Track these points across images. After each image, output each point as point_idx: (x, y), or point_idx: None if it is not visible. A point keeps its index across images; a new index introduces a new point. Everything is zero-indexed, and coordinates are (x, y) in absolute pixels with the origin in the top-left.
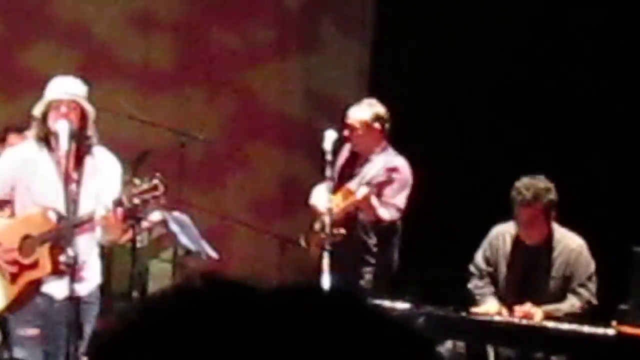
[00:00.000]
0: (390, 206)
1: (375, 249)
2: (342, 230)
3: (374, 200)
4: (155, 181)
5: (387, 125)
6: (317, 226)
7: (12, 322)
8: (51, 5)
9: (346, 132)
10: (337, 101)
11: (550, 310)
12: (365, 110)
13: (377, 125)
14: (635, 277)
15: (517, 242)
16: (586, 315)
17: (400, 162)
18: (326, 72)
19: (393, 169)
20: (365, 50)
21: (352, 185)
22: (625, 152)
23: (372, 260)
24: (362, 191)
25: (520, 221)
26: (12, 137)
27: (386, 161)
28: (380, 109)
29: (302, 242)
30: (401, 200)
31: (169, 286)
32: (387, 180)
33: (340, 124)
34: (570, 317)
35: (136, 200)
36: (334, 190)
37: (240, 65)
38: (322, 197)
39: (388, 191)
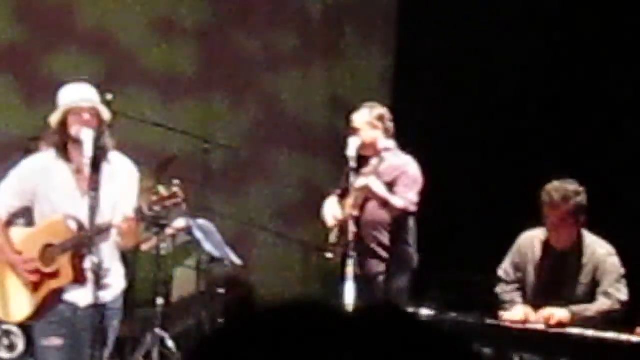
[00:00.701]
0: (404, 198)
1: (389, 246)
2: (353, 228)
3: (377, 187)
4: (175, 188)
5: (390, 125)
6: (332, 239)
7: (36, 331)
8: (74, 13)
9: (351, 140)
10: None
11: (578, 311)
12: (366, 113)
13: (379, 124)
14: None
15: (546, 247)
16: (616, 317)
17: (407, 160)
18: (349, 79)
19: (399, 166)
20: (388, 57)
21: (359, 183)
22: None
23: (386, 258)
24: (360, 181)
25: (549, 223)
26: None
27: (391, 162)
28: (380, 109)
29: (331, 255)
30: (413, 194)
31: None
32: (396, 177)
33: None
34: (595, 322)
35: (156, 208)
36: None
37: (263, 72)
38: (330, 210)
39: (400, 186)
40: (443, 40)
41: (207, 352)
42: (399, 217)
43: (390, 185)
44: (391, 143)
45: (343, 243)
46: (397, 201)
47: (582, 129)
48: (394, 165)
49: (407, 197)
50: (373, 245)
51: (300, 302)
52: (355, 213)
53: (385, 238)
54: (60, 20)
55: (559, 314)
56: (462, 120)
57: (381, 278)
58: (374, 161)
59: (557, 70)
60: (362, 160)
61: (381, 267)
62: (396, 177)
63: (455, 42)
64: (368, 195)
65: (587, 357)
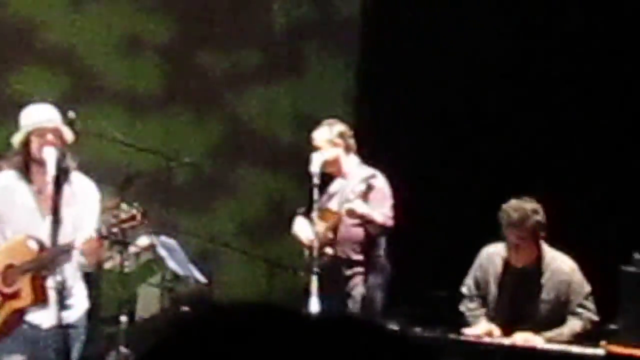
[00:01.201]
0: (380, 214)
1: (364, 264)
2: (330, 250)
3: (362, 208)
4: (133, 211)
5: (351, 141)
6: (306, 253)
7: None
8: (38, 32)
9: (314, 157)
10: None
11: (552, 337)
12: (326, 131)
13: (340, 141)
14: (624, 296)
15: (507, 264)
16: (584, 335)
17: (376, 173)
18: (312, 94)
19: (367, 178)
20: (351, 72)
21: (332, 204)
22: (612, 172)
23: (361, 274)
24: (346, 206)
25: (508, 243)
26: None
27: (359, 174)
28: (340, 126)
29: (302, 274)
30: (387, 209)
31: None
32: (367, 191)
33: None
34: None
35: (114, 230)
36: (317, 213)
37: (227, 89)
38: (302, 226)
39: (372, 201)
40: (405, 56)
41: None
42: (376, 233)
43: (363, 198)
44: (354, 159)
45: (312, 257)
46: (378, 217)
47: (538, 145)
48: (360, 178)
49: (383, 213)
50: (347, 263)
51: (251, 305)
52: (331, 235)
53: (359, 255)
54: (23, 39)
55: (535, 340)
56: (425, 136)
57: (358, 292)
58: (357, 187)
59: (518, 86)
60: (326, 176)
61: (356, 281)
62: (367, 189)
63: (418, 57)
64: (352, 217)
65: None
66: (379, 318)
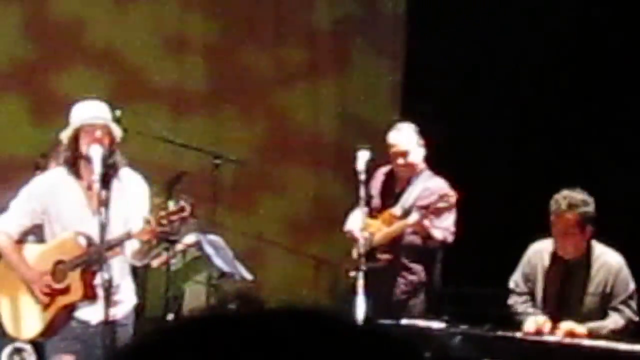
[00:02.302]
0: (442, 229)
1: (421, 274)
2: (387, 256)
3: (426, 222)
4: (182, 203)
5: (424, 146)
6: (354, 253)
7: (48, 348)
8: (84, 31)
9: (399, 160)
10: (369, 121)
11: (594, 328)
12: (410, 135)
13: (420, 149)
14: None
15: (554, 257)
16: (626, 332)
17: (446, 186)
18: (358, 93)
19: (444, 195)
20: (397, 70)
21: (395, 209)
22: None
23: (413, 283)
24: (413, 217)
25: (555, 231)
26: (54, 163)
27: (429, 183)
28: (417, 129)
29: (346, 272)
30: (451, 222)
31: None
32: (440, 207)
33: (373, 143)
34: (608, 334)
35: (163, 222)
36: (373, 214)
37: (272, 86)
38: (358, 223)
39: (440, 215)
40: (451, 53)
41: None
42: (435, 246)
43: (426, 208)
44: (422, 166)
45: (368, 257)
46: (438, 234)
47: (592, 144)
48: (431, 189)
49: (447, 228)
50: (403, 271)
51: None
52: (389, 240)
53: (415, 263)
54: (69, 38)
55: (579, 329)
56: (472, 134)
57: (402, 299)
58: (407, 191)
59: (568, 83)
60: (389, 181)
61: (404, 288)
62: (432, 202)
63: (464, 55)
64: (414, 228)
65: None
66: (422, 316)
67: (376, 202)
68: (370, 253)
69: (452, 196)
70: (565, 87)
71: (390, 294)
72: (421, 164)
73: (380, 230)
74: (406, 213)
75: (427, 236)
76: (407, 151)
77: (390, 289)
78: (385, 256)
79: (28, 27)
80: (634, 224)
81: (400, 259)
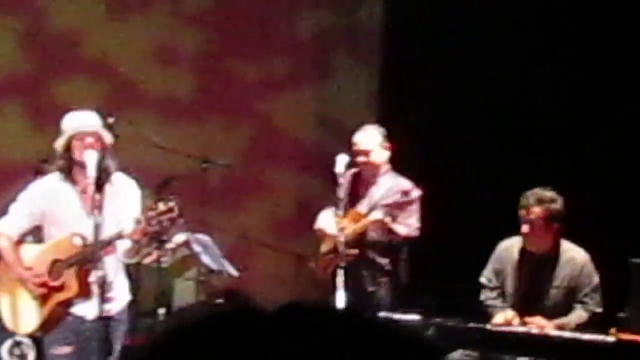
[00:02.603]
0: (405, 225)
1: (387, 267)
2: (355, 251)
3: (387, 219)
4: (171, 204)
5: (388, 148)
6: (324, 249)
7: (46, 341)
8: (80, 43)
9: (360, 158)
10: (348, 126)
11: (560, 324)
12: (374, 135)
13: (384, 148)
14: (633, 287)
15: (523, 253)
16: (590, 323)
17: (409, 184)
18: (337, 99)
19: (407, 192)
20: (374, 77)
21: (361, 207)
22: (626, 171)
23: (384, 278)
24: (376, 215)
25: (523, 226)
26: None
27: (393, 183)
28: (383, 132)
29: (313, 266)
30: (415, 220)
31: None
32: (403, 202)
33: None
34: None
35: (154, 222)
36: (344, 212)
37: (256, 94)
38: (328, 221)
39: (404, 212)
40: (426, 62)
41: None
42: (399, 241)
43: (390, 207)
44: (386, 166)
45: (339, 253)
46: (401, 230)
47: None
48: (395, 188)
49: (410, 224)
50: (369, 265)
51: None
52: (357, 237)
53: (381, 259)
54: (66, 50)
55: (545, 324)
56: (447, 139)
57: (373, 292)
58: (372, 190)
59: (550, 86)
60: (356, 181)
61: (372, 284)
62: (396, 200)
63: (438, 63)
64: (377, 227)
65: (565, 357)
66: (397, 309)
67: (344, 202)
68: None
69: (415, 193)
70: (537, 91)
71: (359, 288)
72: (384, 165)
73: (347, 228)
74: (372, 211)
75: (389, 232)
76: (368, 150)
77: (358, 283)
78: (352, 251)
79: (27, 38)
80: (600, 222)
81: (367, 254)
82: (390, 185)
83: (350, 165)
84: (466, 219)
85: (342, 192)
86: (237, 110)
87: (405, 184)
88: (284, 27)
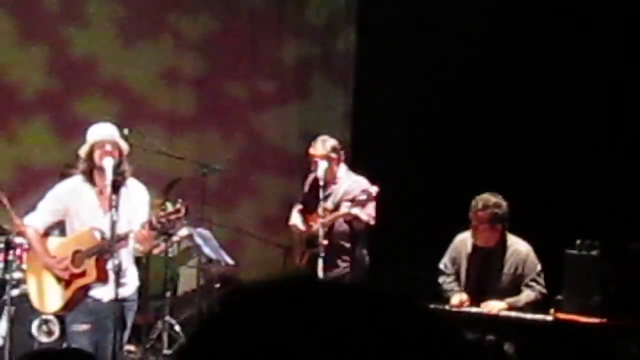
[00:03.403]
0: (366, 214)
1: (351, 251)
2: (325, 241)
3: (355, 210)
4: (178, 205)
5: (341, 152)
6: (297, 241)
7: (68, 319)
8: (98, 66)
9: (320, 164)
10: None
11: (511, 302)
12: (321, 146)
13: (334, 155)
14: (567, 273)
15: (475, 246)
16: (538, 303)
17: (362, 181)
18: (316, 115)
19: (366, 190)
20: (349, 96)
21: (327, 204)
22: (565, 174)
23: (349, 260)
24: (344, 208)
25: (472, 225)
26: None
27: (350, 181)
28: (332, 141)
29: (296, 259)
30: (372, 210)
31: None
32: (364, 198)
33: None
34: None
35: (162, 220)
36: (311, 210)
37: (248, 111)
38: (299, 220)
39: (364, 205)
40: (392, 83)
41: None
42: (360, 229)
43: (352, 201)
44: (343, 167)
45: (317, 243)
46: (364, 216)
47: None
48: (353, 186)
49: (369, 214)
50: (339, 250)
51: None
52: (325, 229)
53: (347, 244)
54: (86, 72)
55: (498, 305)
56: (409, 146)
57: (344, 276)
58: (334, 189)
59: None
60: (317, 184)
61: (343, 266)
62: (356, 195)
63: (405, 83)
64: (347, 217)
65: (510, 334)
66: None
67: (307, 202)
68: (311, 240)
69: (372, 190)
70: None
71: (328, 273)
72: (335, 170)
73: (316, 222)
74: (336, 206)
75: (355, 219)
76: (316, 161)
77: (327, 268)
78: (324, 241)
79: (53, 63)
80: (541, 218)
81: (336, 243)
82: (349, 183)
83: (329, 169)
84: (429, 215)
85: (322, 192)
86: (231, 124)
87: (363, 182)
88: (271, 54)
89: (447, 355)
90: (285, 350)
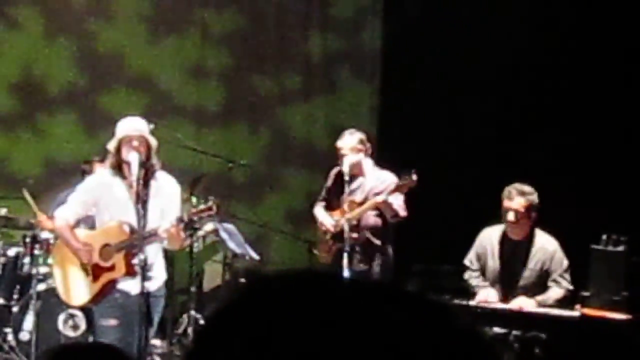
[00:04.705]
0: (399, 206)
1: (379, 248)
2: (355, 235)
3: (391, 199)
4: (210, 203)
5: (368, 145)
6: (326, 237)
7: (96, 313)
8: (125, 61)
9: (345, 159)
10: None
11: (541, 300)
12: (349, 139)
13: (362, 147)
14: (593, 269)
15: (503, 239)
16: (565, 300)
17: (388, 175)
18: (343, 111)
19: (385, 180)
20: (375, 93)
21: (356, 197)
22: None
23: (375, 256)
24: (379, 198)
25: (505, 215)
26: (98, 166)
27: (378, 175)
28: (360, 134)
29: (316, 252)
30: (402, 201)
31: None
32: (394, 189)
33: None
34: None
35: (194, 218)
36: (335, 206)
37: (274, 105)
38: (325, 216)
39: (392, 196)
40: (417, 78)
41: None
42: (387, 223)
43: (382, 193)
44: (369, 161)
45: (337, 242)
46: (399, 209)
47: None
48: (380, 179)
49: (399, 204)
50: (366, 245)
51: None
52: (355, 222)
53: (375, 240)
54: (113, 67)
55: (528, 302)
56: (436, 140)
57: (369, 271)
58: (360, 183)
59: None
60: (341, 178)
61: (370, 262)
62: (383, 189)
63: (428, 80)
64: (381, 206)
65: (538, 329)
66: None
67: (330, 196)
68: (338, 235)
69: (408, 182)
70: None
71: (355, 267)
72: (362, 164)
73: (347, 215)
74: (365, 199)
75: (388, 207)
76: (346, 154)
77: (354, 263)
78: (353, 235)
79: (80, 58)
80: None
81: (363, 237)
82: (376, 177)
83: (355, 164)
84: (454, 208)
85: (347, 187)
86: (257, 118)
87: (389, 177)
88: (297, 48)
89: (461, 354)
90: (295, 342)
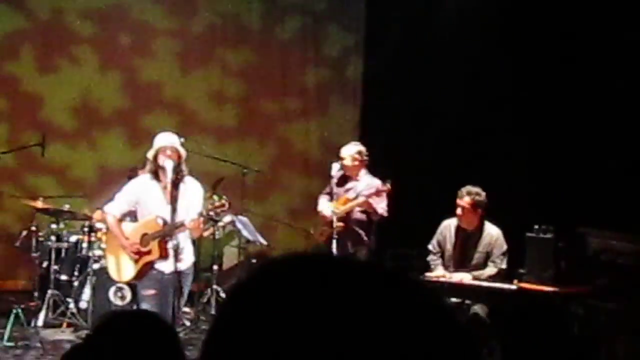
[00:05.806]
0: (381, 207)
1: (364, 237)
2: (342, 224)
3: (372, 201)
4: (223, 200)
5: (365, 157)
6: (322, 224)
7: (138, 286)
8: (161, 89)
9: (342, 163)
10: (339, 145)
11: (476, 275)
12: (351, 149)
13: (359, 157)
14: (528, 252)
15: (458, 229)
16: (499, 276)
17: (380, 182)
18: (333, 128)
19: (379, 188)
20: (357, 112)
21: (349, 195)
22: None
23: (363, 245)
24: (362, 198)
25: (458, 210)
26: (140, 172)
27: (369, 180)
28: (360, 147)
29: (316, 235)
30: (385, 205)
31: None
32: (377, 193)
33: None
34: (490, 277)
35: (211, 212)
36: (336, 199)
37: (278, 124)
38: (325, 205)
39: (377, 198)
40: (392, 102)
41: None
42: (371, 218)
43: (369, 195)
44: (364, 169)
45: (332, 227)
46: (380, 210)
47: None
48: (370, 184)
49: (382, 207)
50: (353, 234)
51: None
52: (344, 214)
53: (361, 231)
54: (152, 93)
55: (466, 277)
56: (407, 151)
57: (354, 255)
58: (355, 184)
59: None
60: (344, 179)
61: (355, 248)
62: (371, 192)
63: (401, 103)
64: (363, 206)
65: (481, 300)
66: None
67: (334, 191)
68: (333, 222)
69: (385, 189)
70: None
71: (344, 251)
72: (360, 167)
73: (339, 208)
74: (356, 197)
75: (372, 211)
76: (344, 158)
77: (344, 247)
78: (340, 224)
79: (126, 86)
80: (509, 206)
81: (351, 227)
82: (367, 181)
83: (341, 170)
84: (421, 205)
85: (333, 188)
86: (265, 135)
87: (377, 182)
88: (297, 79)
89: (438, 318)
90: (298, 311)
